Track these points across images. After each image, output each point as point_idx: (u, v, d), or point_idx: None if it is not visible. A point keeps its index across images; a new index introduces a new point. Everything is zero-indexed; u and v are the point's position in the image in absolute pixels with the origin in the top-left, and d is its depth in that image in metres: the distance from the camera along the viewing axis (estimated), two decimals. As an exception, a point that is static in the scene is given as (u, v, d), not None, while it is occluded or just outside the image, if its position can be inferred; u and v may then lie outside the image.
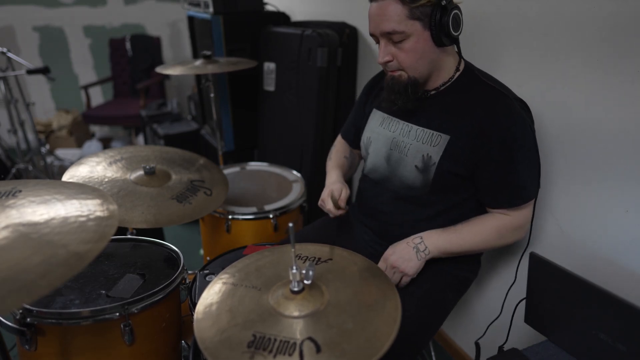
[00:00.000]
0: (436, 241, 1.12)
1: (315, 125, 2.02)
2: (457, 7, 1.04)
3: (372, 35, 1.11)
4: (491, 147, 1.06)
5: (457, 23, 1.04)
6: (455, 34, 1.05)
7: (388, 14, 1.03)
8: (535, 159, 1.11)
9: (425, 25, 1.03)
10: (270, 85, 2.23)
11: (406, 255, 1.12)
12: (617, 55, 1.02)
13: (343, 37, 1.99)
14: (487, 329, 1.35)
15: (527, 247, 1.20)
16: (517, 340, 1.25)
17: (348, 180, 1.39)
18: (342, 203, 1.27)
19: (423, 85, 1.15)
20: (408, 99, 1.12)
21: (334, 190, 1.29)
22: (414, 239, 1.13)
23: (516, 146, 1.06)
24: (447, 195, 1.16)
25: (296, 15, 2.52)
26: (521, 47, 1.26)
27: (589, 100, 1.10)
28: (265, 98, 2.29)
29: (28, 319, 0.98)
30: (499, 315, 1.32)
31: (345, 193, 1.29)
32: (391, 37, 1.06)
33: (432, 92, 1.16)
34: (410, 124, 1.19)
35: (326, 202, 1.28)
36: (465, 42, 1.13)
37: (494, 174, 1.09)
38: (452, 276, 1.23)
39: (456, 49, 1.13)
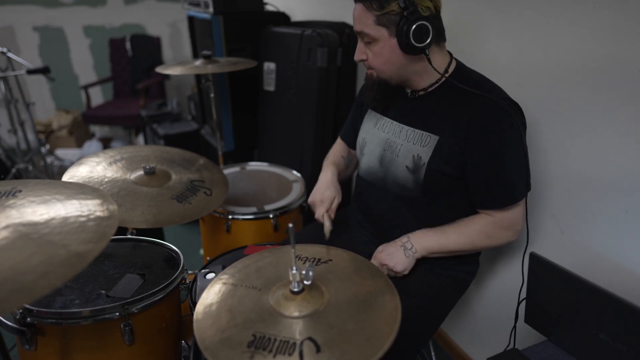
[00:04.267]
0: (423, 240, 1.14)
1: (315, 125, 2.02)
2: (425, 18, 1.00)
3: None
4: (478, 145, 1.06)
5: (422, 34, 1.01)
6: (419, 45, 1.02)
7: (360, 15, 1.06)
8: (524, 158, 1.10)
9: (392, 33, 1.04)
10: (270, 85, 2.23)
11: (394, 253, 1.14)
12: (619, 54, 1.02)
13: (343, 37, 1.99)
14: (510, 335, 1.30)
15: (526, 249, 1.19)
16: (517, 340, 1.24)
17: (345, 180, 1.38)
18: (332, 214, 1.28)
19: (399, 86, 1.17)
20: (374, 98, 1.16)
21: (327, 198, 1.29)
22: (402, 239, 1.16)
23: (503, 144, 1.06)
24: (439, 196, 1.16)
25: (296, 15, 2.52)
26: (522, 46, 1.26)
27: (589, 99, 1.10)
28: (265, 98, 2.29)
29: (28, 319, 0.98)
30: (516, 321, 1.24)
31: (336, 202, 1.30)
32: (362, 38, 1.09)
33: (421, 93, 1.16)
34: (401, 125, 1.19)
35: (317, 209, 1.29)
36: (465, 40, 1.13)
37: (481, 172, 1.09)
38: (451, 277, 1.23)
39: (428, 58, 1.07)
